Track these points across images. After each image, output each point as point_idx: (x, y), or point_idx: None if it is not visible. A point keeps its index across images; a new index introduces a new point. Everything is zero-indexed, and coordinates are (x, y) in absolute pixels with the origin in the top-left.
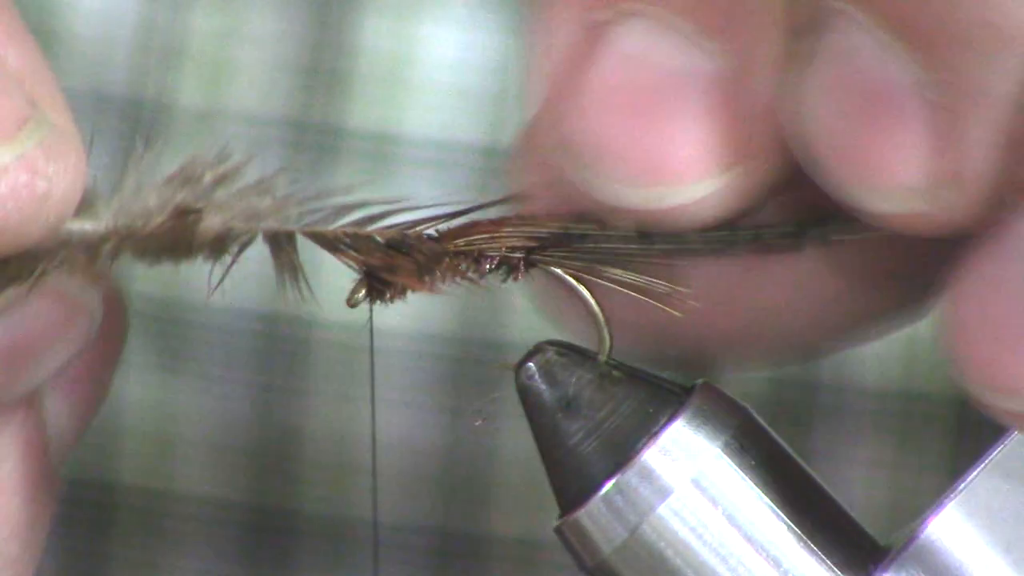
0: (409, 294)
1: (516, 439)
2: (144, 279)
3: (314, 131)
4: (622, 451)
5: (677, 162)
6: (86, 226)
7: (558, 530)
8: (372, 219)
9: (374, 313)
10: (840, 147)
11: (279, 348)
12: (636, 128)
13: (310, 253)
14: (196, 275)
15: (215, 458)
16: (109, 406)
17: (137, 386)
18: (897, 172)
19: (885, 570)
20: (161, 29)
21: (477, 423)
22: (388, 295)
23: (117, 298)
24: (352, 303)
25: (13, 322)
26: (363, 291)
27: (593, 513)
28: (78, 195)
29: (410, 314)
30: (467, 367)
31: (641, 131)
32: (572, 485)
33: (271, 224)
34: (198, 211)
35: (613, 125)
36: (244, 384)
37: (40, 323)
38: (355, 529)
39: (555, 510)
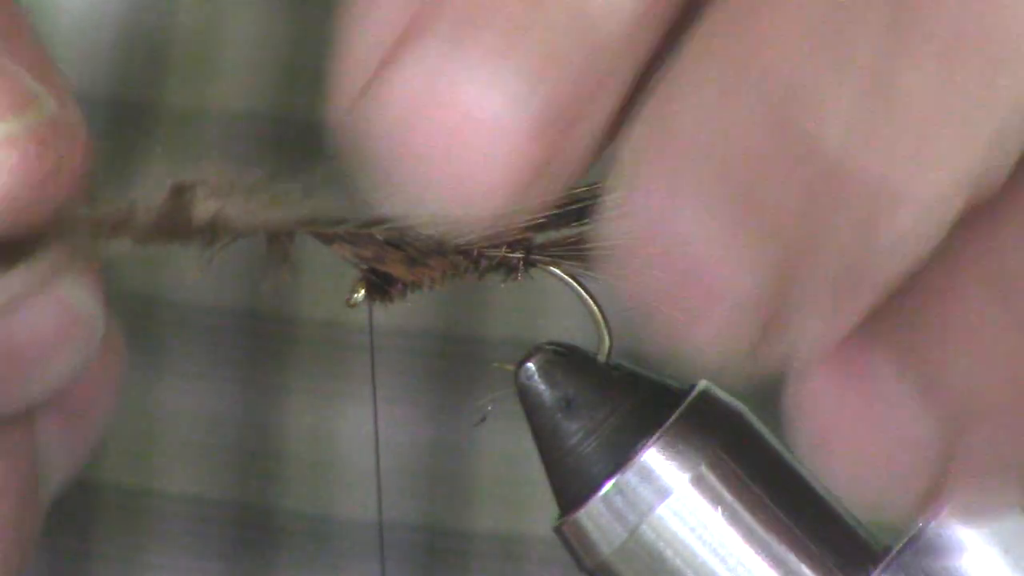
0: (409, 295)
1: (500, 435)
2: (126, 277)
3: (297, 128)
4: (622, 451)
5: (478, 188)
6: (88, 210)
7: (558, 530)
8: (373, 222)
9: (365, 311)
10: (649, 305)
11: (261, 346)
12: (437, 150)
13: (296, 251)
14: (178, 273)
15: (197, 456)
16: None
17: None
18: (705, 347)
19: (885, 570)
20: (145, 29)
21: (478, 422)
22: (388, 295)
23: (114, 332)
24: (351, 303)
25: (13, 320)
26: (362, 291)
27: (593, 513)
28: (84, 173)
29: (394, 310)
30: (451, 363)
31: (442, 155)
32: (572, 485)
33: (271, 219)
34: (192, 188)
35: (413, 138)
36: (226, 381)
37: (41, 325)
38: (337, 526)
39: (541, 506)
